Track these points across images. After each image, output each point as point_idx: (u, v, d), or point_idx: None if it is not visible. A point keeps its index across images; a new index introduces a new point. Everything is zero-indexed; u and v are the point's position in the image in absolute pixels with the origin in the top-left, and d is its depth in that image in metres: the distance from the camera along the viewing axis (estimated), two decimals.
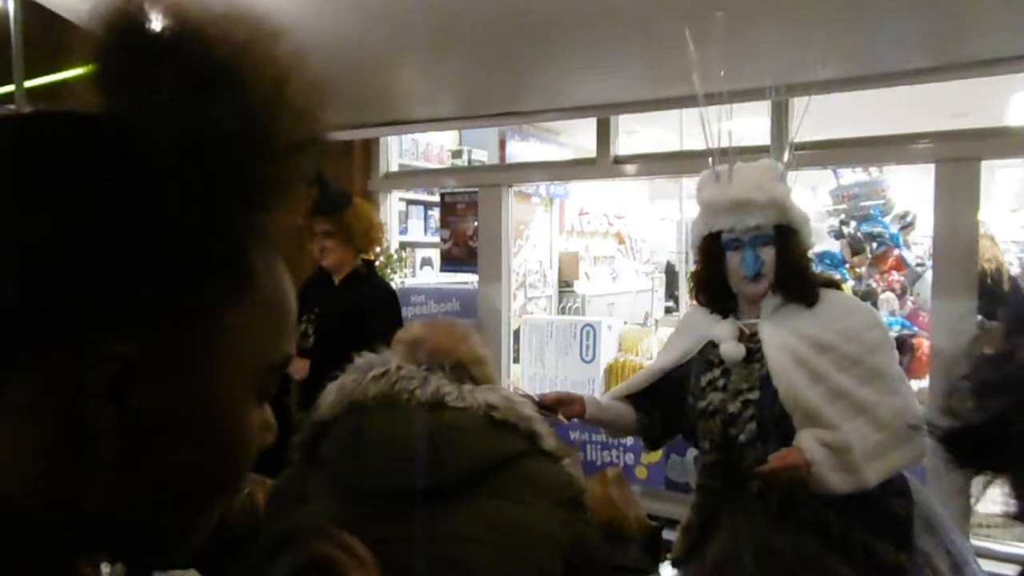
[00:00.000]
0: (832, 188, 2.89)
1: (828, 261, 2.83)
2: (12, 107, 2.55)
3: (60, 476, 0.36)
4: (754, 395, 1.49)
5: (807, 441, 1.38)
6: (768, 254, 1.50)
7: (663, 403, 1.69)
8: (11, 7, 2.42)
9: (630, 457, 3.05)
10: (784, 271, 1.51)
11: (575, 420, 1.65)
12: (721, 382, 1.55)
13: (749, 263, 1.50)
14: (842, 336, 1.47)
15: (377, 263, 3.34)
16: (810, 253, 3.01)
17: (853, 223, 2.80)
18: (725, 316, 1.59)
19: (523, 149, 4.49)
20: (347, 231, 2.75)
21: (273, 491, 1.07)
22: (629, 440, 3.02)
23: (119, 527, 0.38)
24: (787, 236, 1.52)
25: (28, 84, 2.45)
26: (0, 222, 0.35)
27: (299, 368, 2.67)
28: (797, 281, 1.51)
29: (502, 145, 4.41)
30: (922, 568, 1.44)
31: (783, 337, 1.48)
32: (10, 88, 2.45)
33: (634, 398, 1.71)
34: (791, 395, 1.43)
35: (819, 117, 2.78)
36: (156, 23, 0.38)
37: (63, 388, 0.35)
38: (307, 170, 0.41)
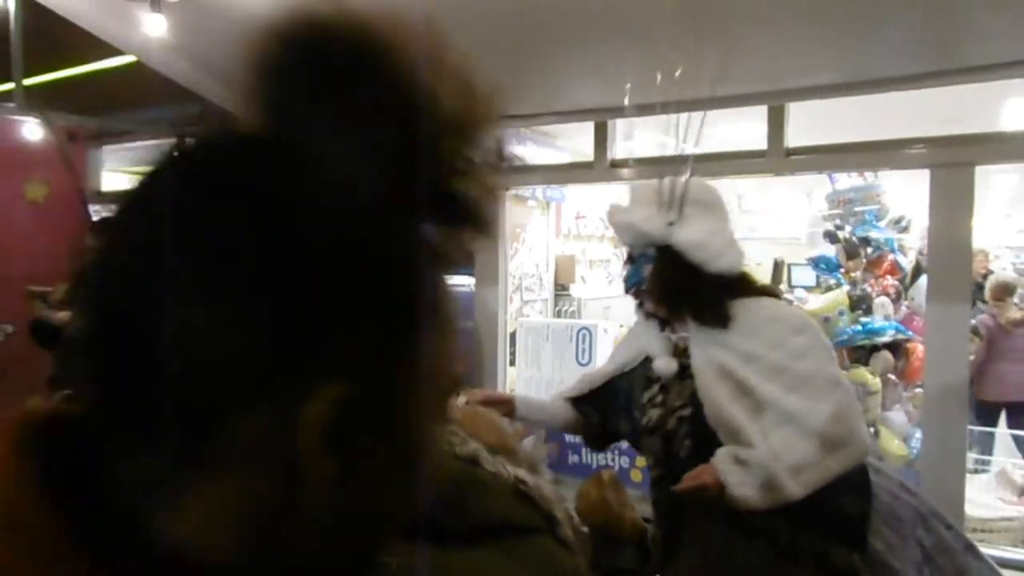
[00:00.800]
0: (828, 193, 2.90)
1: (823, 266, 2.85)
2: (11, 104, 2.57)
3: (271, 529, 0.35)
4: (687, 411, 1.49)
5: (721, 460, 1.37)
6: (648, 271, 1.52)
7: (603, 408, 1.70)
8: (11, 6, 2.43)
9: (625, 460, 3.05)
10: (662, 290, 1.51)
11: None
12: (659, 398, 1.56)
13: (628, 277, 1.56)
14: (768, 344, 1.45)
15: None
16: (806, 258, 3.01)
17: (848, 228, 2.81)
18: (662, 328, 1.60)
19: (520, 152, 4.50)
20: None
21: None
22: (624, 443, 3.02)
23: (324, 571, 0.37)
24: (668, 257, 1.51)
25: (27, 82, 2.47)
26: (204, 269, 0.33)
27: None
28: (677, 300, 1.52)
29: None
30: (883, 564, 1.42)
31: (710, 351, 1.48)
32: (10, 86, 2.46)
33: (577, 400, 1.73)
34: (713, 412, 1.43)
35: (814, 122, 2.82)
36: (336, 41, 0.36)
37: (278, 438, 0.33)
38: (494, 186, 0.39)
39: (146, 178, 0.36)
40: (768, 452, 1.37)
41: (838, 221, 2.87)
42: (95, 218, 3.04)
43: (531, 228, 4.61)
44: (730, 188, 6.23)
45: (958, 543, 1.49)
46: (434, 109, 0.36)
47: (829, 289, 2.82)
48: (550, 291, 4.87)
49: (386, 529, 0.39)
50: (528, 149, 4.59)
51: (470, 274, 3.47)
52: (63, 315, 2.93)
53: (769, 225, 6.37)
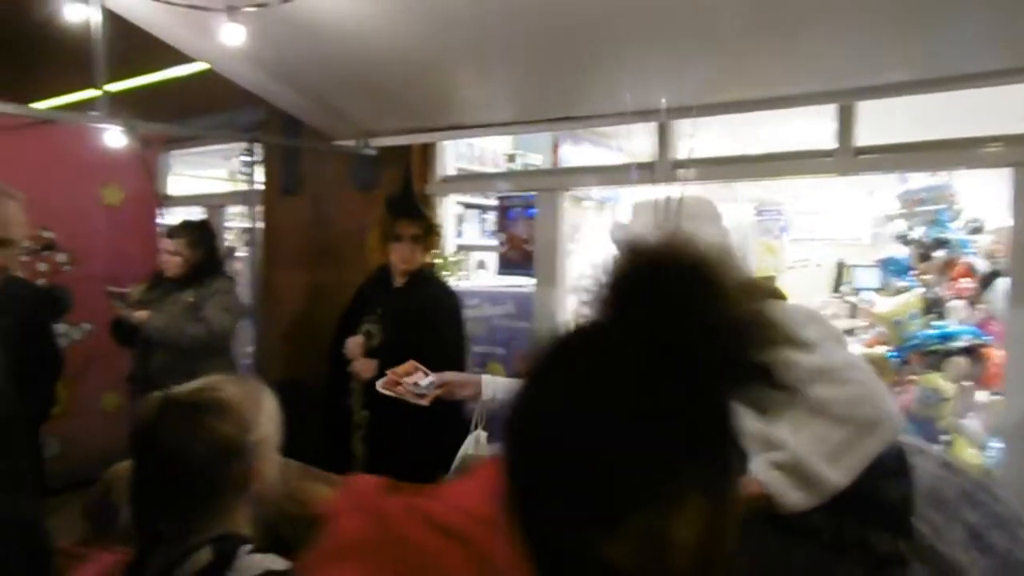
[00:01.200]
0: (899, 192, 2.83)
1: (893, 268, 2.77)
2: (95, 112, 2.67)
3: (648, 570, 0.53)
4: None
5: (761, 470, 1.35)
6: None
7: None
8: (96, 18, 2.54)
9: None
10: None
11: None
12: None
13: None
14: None
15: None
16: (875, 260, 2.93)
17: (920, 229, 2.74)
18: None
19: (576, 153, 4.49)
20: (431, 235, 2.81)
21: None
22: None
23: None
24: None
25: (115, 88, 2.58)
26: (619, 410, 0.53)
27: (366, 368, 2.72)
28: None
29: (555, 149, 4.43)
30: (930, 547, 1.38)
31: None
32: (94, 93, 2.57)
33: None
34: None
35: (885, 120, 2.75)
36: (686, 263, 0.56)
37: (659, 534, 0.52)
38: (778, 362, 0.56)
39: (564, 345, 0.58)
40: (801, 448, 1.35)
41: (909, 222, 2.80)
42: (169, 223, 3.15)
43: (586, 229, 4.61)
44: (787, 188, 6.11)
45: (1011, 515, 1.44)
46: (741, 310, 0.55)
47: (898, 292, 2.75)
48: None
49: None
50: (584, 149, 4.58)
51: (529, 274, 3.49)
52: (141, 314, 3.04)
53: (828, 226, 6.22)
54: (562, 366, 0.57)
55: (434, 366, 2.76)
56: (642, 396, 0.53)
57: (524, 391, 0.57)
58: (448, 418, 2.89)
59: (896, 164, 2.62)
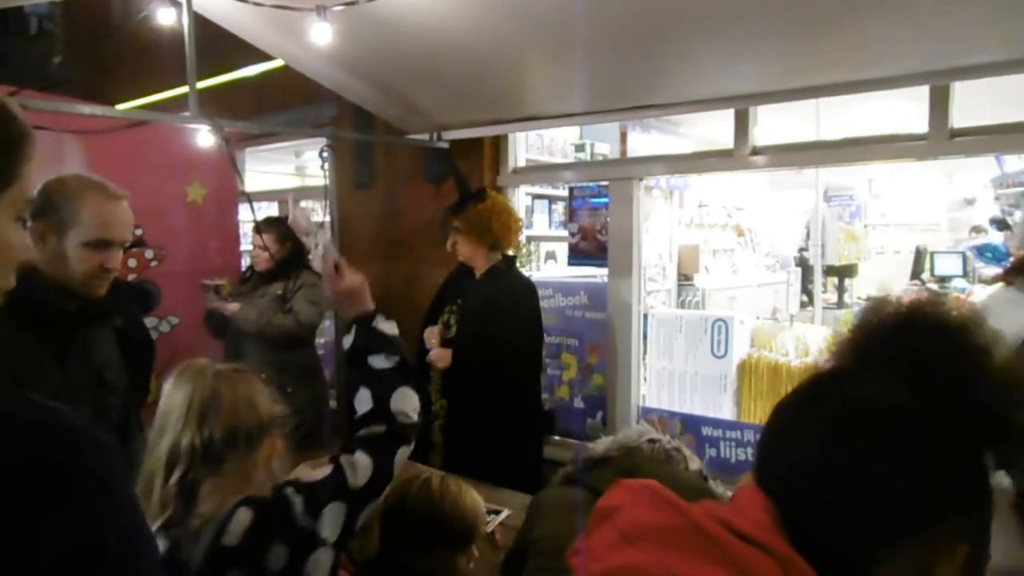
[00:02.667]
0: (994, 176, 2.71)
1: (989, 254, 2.67)
2: (187, 113, 2.76)
3: None
4: None
5: None
6: None
7: None
8: (186, 22, 2.62)
9: None
10: None
11: None
12: None
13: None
14: None
15: None
16: (966, 247, 2.83)
17: (1018, 213, 2.62)
18: None
19: (644, 141, 4.45)
20: (475, 227, 2.84)
21: (538, 498, 1.28)
22: None
23: None
24: None
25: (199, 86, 2.67)
26: (904, 461, 0.59)
27: (442, 357, 2.78)
28: None
29: (623, 138, 4.39)
30: None
31: None
32: (184, 90, 2.66)
33: None
34: None
35: (981, 101, 2.63)
36: (952, 328, 0.63)
37: (934, 559, 0.58)
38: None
39: (842, 385, 0.65)
40: None
41: (1005, 206, 2.68)
42: (255, 219, 3.24)
43: (655, 217, 4.55)
44: (861, 171, 5.93)
45: None
46: (1007, 373, 0.60)
47: (993, 280, 2.64)
48: (673, 281, 4.80)
49: None
50: (652, 137, 4.53)
51: (602, 264, 3.47)
52: (232, 306, 3.15)
53: (903, 211, 6.03)
54: (838, 407, 0.63)
55: (508, 356, 2.80)
56: (921, 445, 0.59)
57: (798, 420, 0.64)
58: (526, 411, 2.92)
59: (994, 146, 2.52)
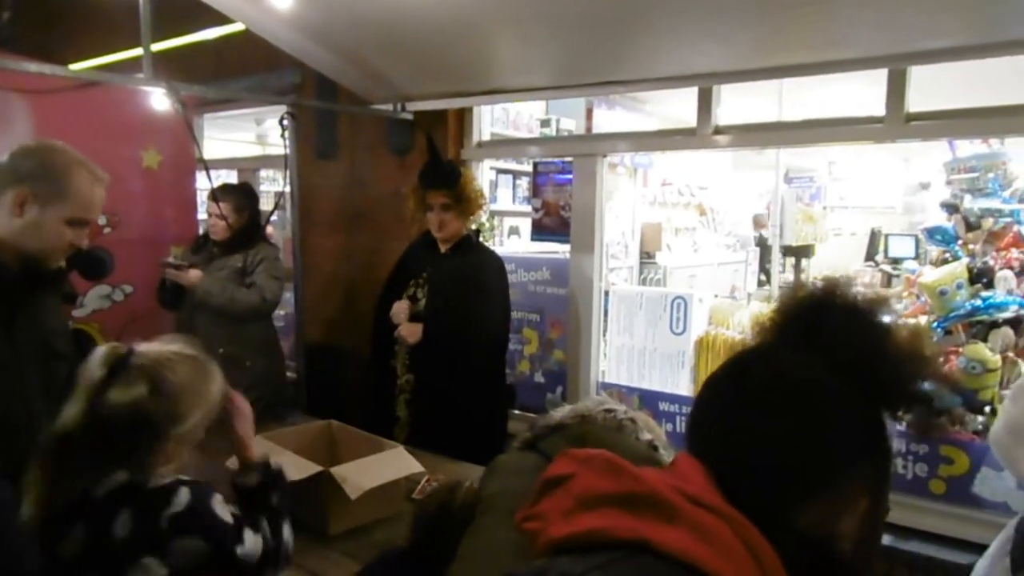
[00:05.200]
0: (947, 160, 2.77)
1: (939, 237, 2.73)
2: (141, 75, 2.68)
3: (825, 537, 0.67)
4: None
5: None
6: None
7: None
8: None
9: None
10: None
11: None
12: None
13: None
14: None
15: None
16: (920, 229, 2.88)
17: (968, 197, 2.69)
18: None
19: (610, 118, 4.45)
20: (463, 202, 2.81)
21: (495, 462, 1.29)
22: None
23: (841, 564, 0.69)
24: None
25: (154, 48, 2.58)
26: (808, 431, 0.67)
27: (413, 332, 2.76)
28: None
29: (589, 114, 4.39)
30: None
31: None
32: (138, 52, 2.57)
33: None
34: None
35: (936, 86, 2.68)
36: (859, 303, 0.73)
37: (835, 511, 0.67)
38: (934, 393, 0.72)
39: (762, 357, 0.74)
40: None
41: (956, 190, 2.75)
42: (211, 186, 3.16)
43: (618, 195, 4.58)
44: (819, 154, 6.02)
45: None
46: (913, 346, 0.70)
47: (944, 262, 2.71)
48: (635, 258, 4.85)
49: (869, 562, 0.72)
50: (617, 114, 4.54)
51: (564, 240, 3.48)
52: (193, 274, 3.08)
53: (860, 193, 6.15)
54: (758, 379, 0.70)
55: (478, 331, 2.80)
56: (837, 405, 0.67)
57: (725, 393, 0.72)
58: (491, 384, 2.93)
59: (948, 131, 2.57)
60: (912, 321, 2.72)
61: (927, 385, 0.70)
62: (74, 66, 4.11)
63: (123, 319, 3.53)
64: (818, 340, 0.69)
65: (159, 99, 2.77)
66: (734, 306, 3.47)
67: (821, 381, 0.68)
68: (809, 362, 0.69)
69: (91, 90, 3.18)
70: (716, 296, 3.71)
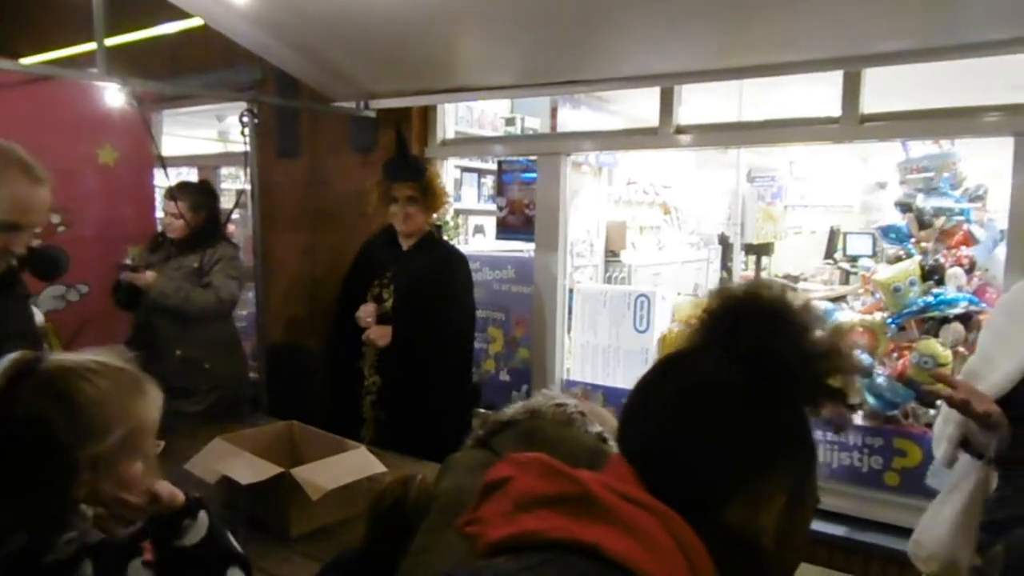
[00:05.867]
0: (900, 161, 2.84)
1: (893, 235, 2.80)
2: (95, 70, 2.61)
3: (749, 546, 0.68)
4: None
5: None
6: None
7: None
8: None
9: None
10: None
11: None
12: None
13: None
14: None
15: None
16: (875, 227, 2.94)
17: (921, 196, 2.76)
18: None
19: (574, 117, 4.46)
20: (429, 196, 2.80)
21: (449, 459, 1.25)
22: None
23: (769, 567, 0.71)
24: None
25: (108, 43, 2.51)
26: (736, 432, 0.69)
27: (383, 335, 2.73)
28: None
29: (554, 113, 4.39)
30: None
31: None
32: (92, 47, 2.51)
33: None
34: None
35: (890, 88, 2.75)
36: (775, 304, 0.73)
37: (752, 512, 0.68)
38: (850, 385, 0.71)
39: (680, 362, 0.76)
40: None
41: (909, 190, 2.82)
42: (168, 184, 3.10)
43: (584, 194, 4.59)
44: (780, 154, 6.12)
45: None
46: (823, 342, 0.70)
47: (898, 259, 2.78)
48: (600, 257, 4.87)
49: (796, 564, 0.74)
50: (582, 113, 4.55)
51: (529, 239, 3.49)
52: (148, 275, 3.01)
53: (820, 192, 6.26)
54: (680, 382, 0.72)
55: (448, 331, 2.80)
56: (752, 408, 0.69)
57: (647, 396, 0.74)
58: (460, 384, 2.92)
59: (901, 132, 2.64)
60: (868, 318, 2.78)
61: (845, 380, 0.71)
62: (26, 60, 4.00)
63: (78, 320, 3.45)
64: (737, 342, 0.71)
65: (114, 95, 2.71)
66: (696, 303, 3.51)
67: (735, 385, 0.69)
68: (726, 366, 0.70)
69: (44, 85, 3.10)
70: (679, 294, 3.75)
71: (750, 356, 0.69)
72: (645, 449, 0.71)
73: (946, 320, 2.62)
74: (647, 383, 0.75)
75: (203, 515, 1.12)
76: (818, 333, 0.71)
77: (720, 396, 0.70)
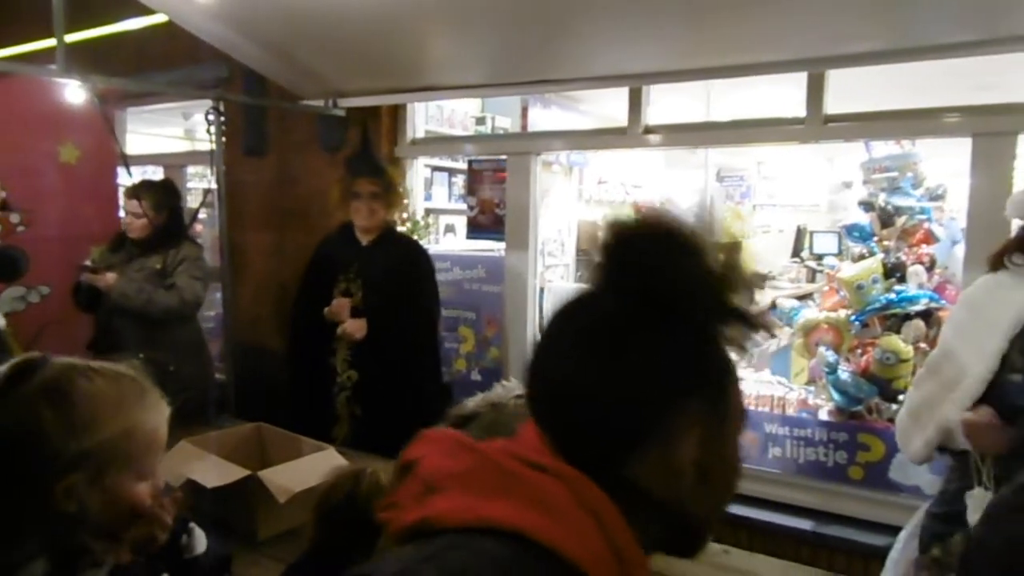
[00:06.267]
0: (864, 161, 2.90)
1: (857, 234, 2.85)
2: (54, 67, 2.56)
3: (667, 495, 0.64)
4: None
5: None
6: None
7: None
8: None
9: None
10: None
11: None
12: None
13: None
14: None
15: (403, 229, 3.38)
16: (840, 226, 2.99)
17: (882, 195, 2.82)
18: None
19: (545, 116, 4.47)
20: (392, 192, 2.82)
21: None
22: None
23: (694, 520, 0.67)
24: None
25: (68, 39, 2.46)
26: (632, 365, 0.63)
27: (359, 328, 2.73)
28: None
29: (524, 113, 4.39)
30: None
31: None
32: (52, 43, 2.45)
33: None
34: None
35: (853, 89, 2.80)
36: (665, 229, 0.65)
37: (665, 460, 0.63)
38: (750, 304, 0.66)
39: (576, 306, 0.68)
40: None
41: (873, 189, 2.87)
42: (131, 183, 3.05)
43: (554, 193, 4.60)
44: (749, 153, 6.19)
45: None
46: (717, 263, 0.64)
47: (862, 258, 2.83)
48: (572, 256, 4.89)
49: (724, 500, 0.70)
50: (553, 113, 4.56)
51: (500, 238, 3.49)
52: (109, 277, 2.95)
53: (788, 192, 6.35)
54: (576, 327, 0.67)
55: (420, 321, 2.84)
56: (647, 343, 0.63)
57: (546, 348, 0.68)
58: (432, 381, 2.94)
59: (863, 132, 2.68)
60: (833, 315, 2.83)
61: (744, 297, 0.65)
62: None
63: (39, 322, 3.38)
64: (630, 272, 0.65)
65: (75, 92, 2.65)
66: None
67: (630, 316, 0.64)
68: (621, 299, 0.65)
69: (2, 82, 3.03)
70: None
71: (643, 284, 0.64)
72: (550, 406, 0.66)
73: (908, 317, 2.68)
74: (546, 334, 0.69)
75: (192, 525, 1.13)
76: (713, 253, 0.64)
77: (616, 331, 0.64)
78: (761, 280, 0.67)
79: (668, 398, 0.63)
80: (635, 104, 3.05)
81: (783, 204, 6.28)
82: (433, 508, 0.61)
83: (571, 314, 0.68)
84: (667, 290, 0.63)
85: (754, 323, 0.65)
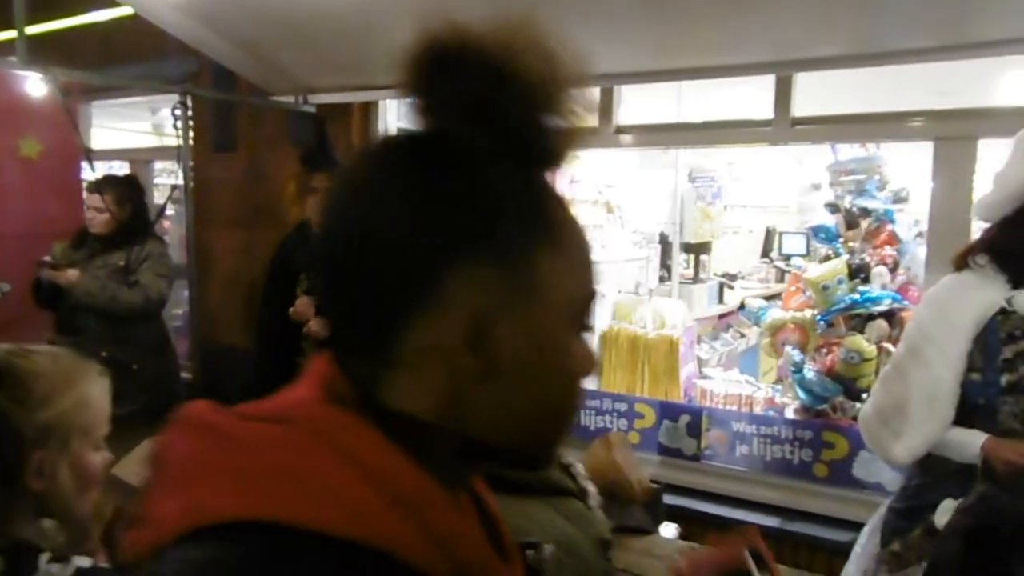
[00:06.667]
0: (829, 163, 2.94)
1: (823, 235, 2.89)
2: (14, 59, 2.50)
3: (452, 409, 0.49)
4: None
5: None
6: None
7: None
8: None
9: (623, 423, 3.12)
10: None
11: None
12: None
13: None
14: None
15: None
16: (807, 227, 3.04)
17: (848, 198, 2.86)
18: (1016, 285, 1.65)
19: None
20: None
21: None
22: (623, 406, 3.10)
23: (497, 447, 0.51)
24: None
25: (29, 31, 2.40)
26: (389, 212, 0.48)
27: (325, 326, 2.70)
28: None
29: None
30: None
31: None
32: (12, 35, 2.40)
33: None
34: None
35: (820, 93, 2.84)
36: (456, 45, 0.53)
37: (437, 344, 0.48)
38: (576, 139, 0.54)
39: (371, 156, 0.55)
40: None
41: (838, 191, 2.92)
42: (93, 177, 2.99)
43: None
44: (719, 155, 6.26)
45: None
46: (530, 80, 0.51)
47: (828, 258, 2.88)
48: None
49: (540, 415, 0.52)
50: None
51: None
52: (70, 274, 2.89)
53: (758, 193, 6.43)
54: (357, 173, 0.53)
55: None
56: (410, 184, 0.49)
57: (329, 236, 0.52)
58: None
59: (830, 135, 2.73)
60: (799, 315, 2.87)
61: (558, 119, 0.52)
62: None
63: (0, 321, 3.30)
64: (428, 101, 0.53)
65: (36, 85, 2.59)
66: (636, 301, 3.56)
67: (414, 148, 0.52)
68: (401, 139, 0.54)
69: None
70: (620, 292, 3.80)
71: (444, 110, 0.52)
72: (323, 276, 0.52)
73: (871, 317, 2.73)
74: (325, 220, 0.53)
75: None
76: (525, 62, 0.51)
77: (393, 167, 0.51)
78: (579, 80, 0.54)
79: (428, 252, 0.47)
80: (606, 104, 3.06)
81: (753, 205, 6.36)
82: (160, 510, 0.46)
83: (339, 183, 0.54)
84: (472, 106, 0.51)
85: (570, 139, 0.53)
